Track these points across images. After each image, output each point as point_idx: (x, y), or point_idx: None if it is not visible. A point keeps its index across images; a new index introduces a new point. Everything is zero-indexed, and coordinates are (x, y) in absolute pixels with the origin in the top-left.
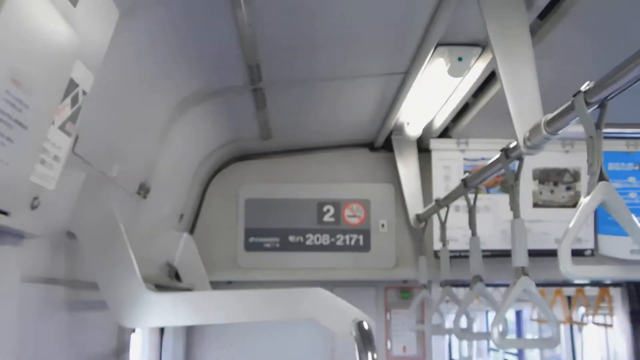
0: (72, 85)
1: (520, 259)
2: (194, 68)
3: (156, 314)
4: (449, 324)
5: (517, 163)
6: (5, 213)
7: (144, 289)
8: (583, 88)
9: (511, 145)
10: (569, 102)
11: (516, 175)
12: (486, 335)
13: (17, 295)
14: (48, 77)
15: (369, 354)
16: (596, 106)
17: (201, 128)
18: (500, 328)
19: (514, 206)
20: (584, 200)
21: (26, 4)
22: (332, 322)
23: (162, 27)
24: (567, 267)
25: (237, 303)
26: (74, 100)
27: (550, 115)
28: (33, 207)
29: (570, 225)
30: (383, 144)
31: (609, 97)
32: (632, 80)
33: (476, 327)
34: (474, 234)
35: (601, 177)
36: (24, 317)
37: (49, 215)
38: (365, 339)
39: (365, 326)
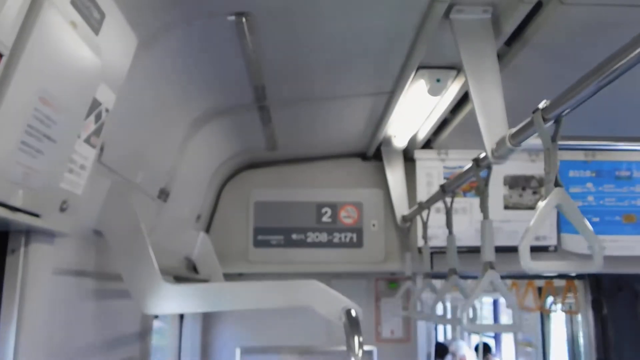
0: (95, 104)
1: (488, 255)
2: (206, 88)
3: (172, 302)
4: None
5: (487, 171)
6: (37, 215)
7: (161, 281)
8: (541, 106)
9: (481, 156)
10: (529, 118)
11: (485, 182)
12: (457, 321)
13: (49, 286)
14: (73, 96)
15: (356, 337)
16: (552, 121)
17: (215, 141)
18: (471, 314)
19: (484, 209)
20: (541, 204)
21: (52, 32)
22: (325, 310)
23: (177, 53)
24: (527, 262)
25: (243, 293)
26: (98, 117)
27: (513, 130)
28: (62, 210)
29: (530, 225)
30: (373, 154)
31: (563, 114)
32: (582, 98)
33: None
34: (450, 232)
35: (556, 184)
36: (57, 305)
37: (78, 216)
38: (352, 324)
39: (353, 313)
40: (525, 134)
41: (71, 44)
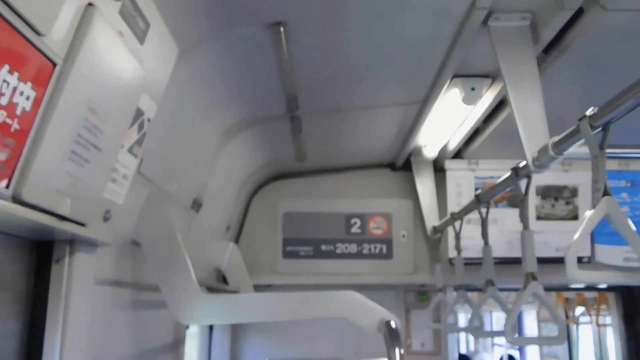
0: (139, 113)
1: (530, 266)
2: (240, 98)
3: (208, 313)
4: (461, 323)
5: (525, 180)
6: (82, 224)
7: (199, 291)
8: (588, 113)
9: (521, 165)
10: (575, 126)
11: (525, 191)
12: (500, 333)
13: (90, 296)
14: (119, 106)
15: (397, 349)
16: (599, 129)
17: (245, 151)
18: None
19: (524, 219)
20: (589, 213)
21: (102, 42)
22: (362, 321)
23: (214, 63)
24: (573, 272)
25: (277, 304)
26: (140, 127)
27: (557, 138)
28: (105, 219)
29: (577, 235)
30: (403, 164)
31: (611, 121)
32: (631, 106)
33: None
34: (486, 243)
35: (605, 193)
36: (97, 314)
37: (118, 226)
38: (393, 336)
39: (393, 325)
40: (569, 142)
41: (118, 54)
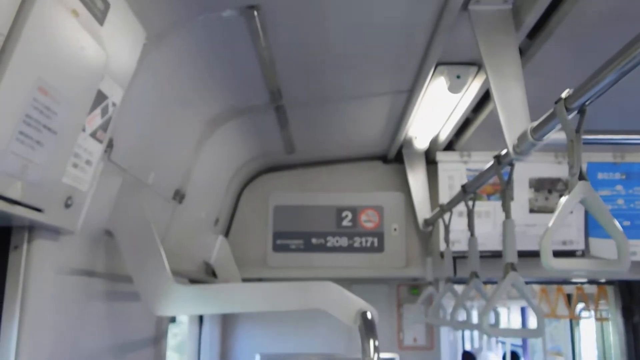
0: (101, 96)
1: (510, 256)
2: (221, 88)
3: (181, 303)
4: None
5: (509, 169)
6: (39, 210)
7: (172, 282)
8: (563, 95)
9: (502, 153)
10: (551, 110)
11: (508, 180)
12: (476, 326)
13: (53, 285)
14: (76, 88)
15: (371, 341)
16: (576, 112)
17: (231, 143)
18: (493, 319)
19: (506, 208)
20: (564, 198)
21: (51, 20)
22: (339, 312)
23: (190, 50)
24: (547, 261)
25: (254, 294)
26: (104, 111)
27: (535, 123)
28: (67, 206)
29: (552, 222)
30: (395, 156)
31: (587, 103)
32: (607, 85)
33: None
34: (472, 234)
35: (581, 177)
36: (64, 305)
37: (86, 214)
38: (368, 328)
39: (369, 316)
40: (547, 127)
41: (72, 33)
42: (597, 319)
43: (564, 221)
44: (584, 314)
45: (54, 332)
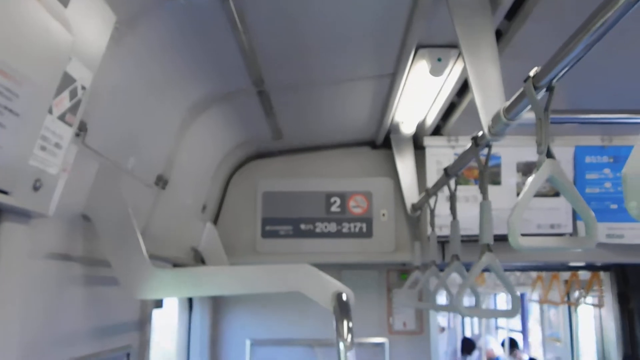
0: (68, 79)
1: (487, 237)
2: (201, 72)
3: (159, 286)
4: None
5: (487, 151)
6: (5, 192)
7: (149, 265)
8: (531, 73)
9: (479, 134)
10: (521, 89)
11: (485, 162)
12: (452, 307)
13: (26, 269)
14: (39, 69)
15: (345, 322)
16: (544, 90)
17: (217, 128)
18: (473, 300)
19: (483, 190)
20: (531, 177)
21: (7, 1)
22: (315, 294)
23: (165, 33)
24: (515, 239)
25: (230, 277)
26: (73, 94)
27: (507, 103)
28: (35, 189)
29: (519, 199)
30: (383, 142)
31: (554, 80)
32: (573, 60)
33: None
34: (454, 217)
35: (549, 155)
36: (37, 290)
37: (61, 198)
38: (342, 309)
39: (344, 297)
40: (519, 106)
41: (33, 15)
42: (592, 305)
43: (530, 198)
44: (581, 300)
45: (26, 316)
